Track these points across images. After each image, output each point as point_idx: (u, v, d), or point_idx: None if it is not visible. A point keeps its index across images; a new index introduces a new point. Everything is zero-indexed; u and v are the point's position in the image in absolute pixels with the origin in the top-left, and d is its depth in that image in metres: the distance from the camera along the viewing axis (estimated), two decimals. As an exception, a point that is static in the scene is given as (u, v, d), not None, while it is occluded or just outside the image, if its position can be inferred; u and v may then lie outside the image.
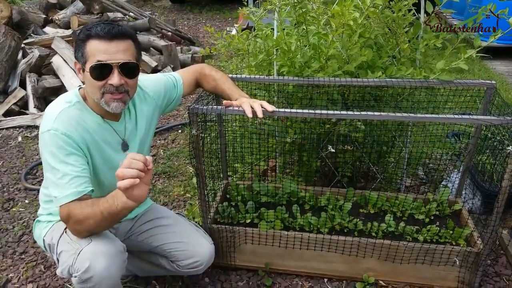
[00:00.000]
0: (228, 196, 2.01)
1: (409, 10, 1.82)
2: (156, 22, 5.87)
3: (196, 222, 2.11)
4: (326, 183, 2.14)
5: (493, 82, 1.67)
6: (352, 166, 2.06)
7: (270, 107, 1.48)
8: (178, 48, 5.32)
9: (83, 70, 1.35)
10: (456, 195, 1.95)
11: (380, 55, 1.81)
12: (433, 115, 1.43)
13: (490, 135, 1.86)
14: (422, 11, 1.82)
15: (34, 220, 2.46)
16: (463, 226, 1.79)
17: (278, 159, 2.14)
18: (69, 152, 1.31)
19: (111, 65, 1.31)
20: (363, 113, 1.42)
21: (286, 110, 1.47)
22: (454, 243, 1.70)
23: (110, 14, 5.59)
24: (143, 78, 1.59)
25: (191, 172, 2.86)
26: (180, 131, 3.52)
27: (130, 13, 5.99)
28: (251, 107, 1.48)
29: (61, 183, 1.29)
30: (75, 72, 3.89)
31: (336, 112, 1.40)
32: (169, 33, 5.78)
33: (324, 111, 1.40)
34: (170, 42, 5.14)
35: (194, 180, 2.77)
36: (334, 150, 1.52)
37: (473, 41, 1.59)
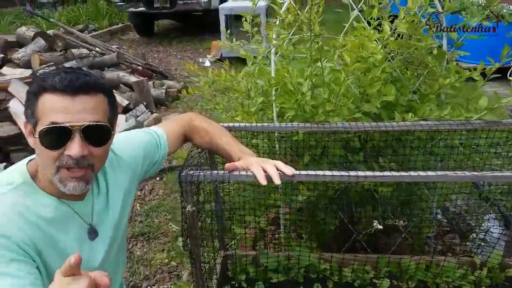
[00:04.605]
0: (228, 273, 1.62)
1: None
2: (125, 56, 5.52)
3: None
4: (341, 241, 1.80)
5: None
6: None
7: (287, 170, 1.14)
8: (150, 83, 4.97)
9: (34, 134, 0.98)
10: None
11: (400, 92, 1.53)
12: (487, 173, 1.13)
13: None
14: (444, 40, 1.57)
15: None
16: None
17: (285, 219, 1.79)
18: (9, 259, 0.91)
19: (70, 128, 0.94)
20: (401, 173, 1.10)
21: (310, 172, 1.13)
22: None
23: (75, 51, 5.21)
24: (116, 139, 1.21)
25: (174, 231, 2.46)
26: (158, 178, 3.11)
27: (96, 48, 5.62)
28: (263, 170, 1.14)
29: None
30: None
31: (376, 173, 1.08)
32: (140, 67, 5.43)
33: (360, 173, 1.08)
34: (142, 78, 4.78)
35: (179, 241, 2.37)
36: (380, 226, 1.19)
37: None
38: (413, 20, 1.32)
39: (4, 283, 0.89)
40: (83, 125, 0.95)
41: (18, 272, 0.91)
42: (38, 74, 1.04)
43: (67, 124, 0.93)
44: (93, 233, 1.11)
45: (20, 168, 1.05)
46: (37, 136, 0.95)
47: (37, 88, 0.96)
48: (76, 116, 0.94)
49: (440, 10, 1.40)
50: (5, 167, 3.19)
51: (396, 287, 1.50)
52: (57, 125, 0.93)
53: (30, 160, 1.07)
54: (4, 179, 1.02)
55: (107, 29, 8.66)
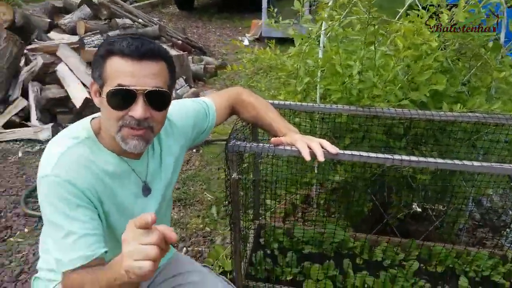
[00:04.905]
0: (261, 240, 1.70)
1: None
2: (166, 29, 5.60)
3: (222, 268, 1.81)
4: (372, 222, 1.84)
5: None
6: (404, 207, 1.76)
7: (332, 148, 1.18)
8: (189, 58, 5.05)
9: (100, 94, 1.06)
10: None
11: (450, 82, 1.52)
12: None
13: None
14: (503, 32, 1.54)
15: (34, 254, 2.17)
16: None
17: (319, 197, 1.84)
18: (75, 205, 1.01)
19: (135, 91, 1.01)
20: (447, 161, 1.12)
21: (354, 153, 1.17)
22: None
23: (119, 20, 5.32)
24: (169, 108, 1.29)
25: (209, 200, 2.57)
26: (194, 150, 3.22)
27: (139, 20, 5.73)
28: (308, 147, 1.18)
29: (65, 243, 1.00)
30: (89, 92, 3.61)
31: (421, 159, 1.11)
32: (179, 42, 5.51)
33: (404, 157, 1.10)
34: (182, 52, 4.86)
35: (214, 209, 2.48)
36: (419, 209, 1.22)
37: None
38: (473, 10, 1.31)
39: (70, 225, 1.00)
40: (146, 89, 1.01)
41: (83, 217, 1.02)
42: (104, 40, 1.11)
43: (133, 88, 1.00)
44: (146, 190, 1.20)
45: (84, 125, 1.13)
46: (104, 96, 1.02)
47: (105, 52, 1.03)
48: (141, 80, 1.01)
49: (503, 1, 1.37)
50: (52, 128, 3.38)
51: (424, 270, 1.54)
52: (124, 88, 1.00)
53: (93, 118, 1.16)
54: (69, 133, 1.10)
55: (148, 1, 8.74)
